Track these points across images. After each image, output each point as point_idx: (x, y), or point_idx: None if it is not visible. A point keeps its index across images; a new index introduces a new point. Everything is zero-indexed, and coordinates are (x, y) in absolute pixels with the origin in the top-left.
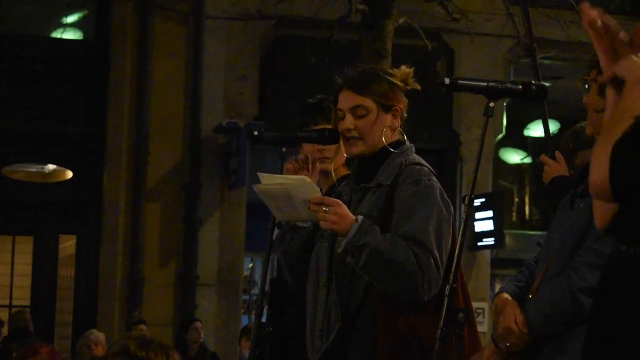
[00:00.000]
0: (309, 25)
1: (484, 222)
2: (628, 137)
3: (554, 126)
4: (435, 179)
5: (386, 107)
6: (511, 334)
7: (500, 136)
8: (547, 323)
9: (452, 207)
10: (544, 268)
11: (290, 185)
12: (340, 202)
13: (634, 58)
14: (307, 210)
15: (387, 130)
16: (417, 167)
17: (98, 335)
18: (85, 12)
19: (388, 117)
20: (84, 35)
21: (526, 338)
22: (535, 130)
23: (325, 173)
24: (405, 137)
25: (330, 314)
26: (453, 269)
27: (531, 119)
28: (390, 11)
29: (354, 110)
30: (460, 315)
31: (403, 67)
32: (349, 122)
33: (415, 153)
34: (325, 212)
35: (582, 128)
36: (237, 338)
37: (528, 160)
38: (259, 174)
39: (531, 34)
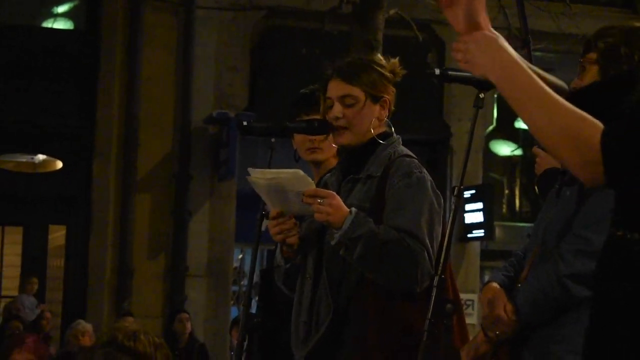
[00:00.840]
0: (300, 16)
1: (474, 214)
2: (619, 123)
3: None
4: (425, 171)
5: (375, 98)
6: (500, 323)
7: (490, 128)
8: (535, 310)
9: (442, 199)
10: (531, 256)
11: (283, 179)
12: (335, 193)
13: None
14: (301, 203)
15: (374, 121)
16: (407, 159)
17: (85, 325)
18: (76, 2)
19: (376, 108)
20: (74, 26)
21: (515, 326)
22: None
23: (316, 163)
24: (393, 129)
25: (321, 306)
26: (442, 260)
27: None
28: (381, 2)
29: (342, 99)
30: (449, 306)
31: (385, 58)
32: (337, 110)
33: (406, 144)
34: (319, 203)
35: None
36: (227, 329)
37: (519, 152)
38: (249, 169)
39: (526, 26)
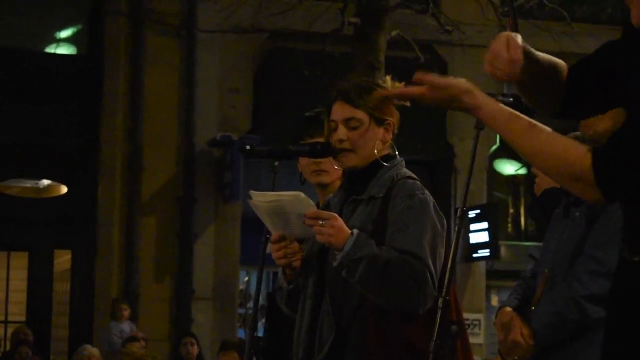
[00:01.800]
0: (302, 38)
1: (479, 234)
2: (607, 143)
3: None
4: (427, 193)
5: (379, 120)
6: (518, 347)
7: (494, 147)
8: (552, 333)
9: (445, 220)
10: (544, 278)
11: (285, 202)
12: (336, 215)
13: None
14: (302, 225)
15: (378, 143)
16: (410, 181)
17: (92, 350)
18: (78, 26)
19: (380, 130)
20: (77, 50)
21: (533, 350)
22: None
23: (322, 186)
24: (397, 151)
25: (323, 326)
26: (446, 281)
27: None
28: (382, 24)
29: (347, 121)
30: (453, 327)
31: (392, 80)
32: (341, 133)
33: (410, 165)
34: (321, 225)
35: (576, 137)
36: None
37: (523, 171)
38: (251, 192)
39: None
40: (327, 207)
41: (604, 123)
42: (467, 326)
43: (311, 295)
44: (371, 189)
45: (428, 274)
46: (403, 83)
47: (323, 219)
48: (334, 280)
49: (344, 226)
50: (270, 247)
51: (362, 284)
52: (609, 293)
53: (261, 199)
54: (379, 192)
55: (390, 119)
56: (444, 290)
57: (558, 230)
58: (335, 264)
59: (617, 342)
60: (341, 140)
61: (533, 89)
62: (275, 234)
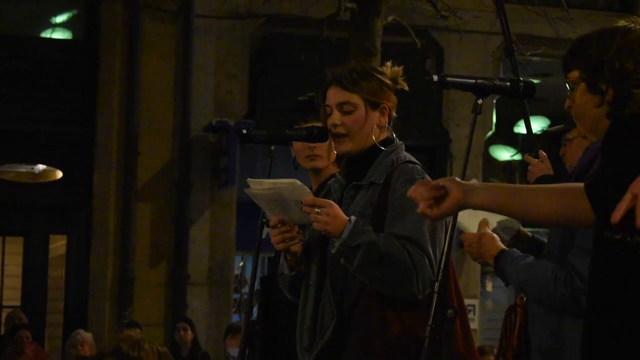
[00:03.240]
0: (298, 23)
1: None
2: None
3: (543, 123)
4: (427, 177)
5: (374, 105)
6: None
7: (490, 133)
8: (519, 285)
9: None
10: None
11: (282, 189)
12: (333, 202)
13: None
14: (301, 211)
15: (375, 128)
16: (410, 165)
17: (85, 335)
18: (74, 12)
19: (375, 115)
20: (73, 36)
21: (485, 250)
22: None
23: (315, 171)
24: (395, 135)
25: (325, 312)
26: (442, 265)
27: (521, 116)
28: (379, 9)
29: (341, 106)
30: (450, 312)
31: (388, 65)
32: (335, 117)
33: (405, 150)
34: (317, 213)
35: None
36: None
37: (518, 157)
38: (248, 180)
39: (509, 34)
40: (328, 192)
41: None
42: None
43: (314, 281)
44: (371, 175)
45: (426, 260)
46: (402, 67)
47: (319, 207)
48: (334, 266)
49: (341, 213)
50: (268, 231)
51: (360, 271)
52: (589, 269)
53: (258, 187)
54: (379, 177)
55: (386, 103)
56: (439, 274)
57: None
58: (333, 251)
59: (603, 323)
60: (335, 125)
61: None
62: (274, 218)
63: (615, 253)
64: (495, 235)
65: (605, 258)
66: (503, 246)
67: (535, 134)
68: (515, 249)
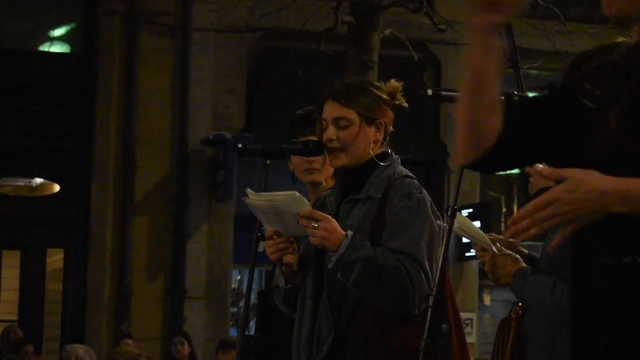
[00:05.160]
0: (296, 37)
1: None
2: None
3: None
4: (425, 192)
5: (369, 120)
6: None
7: None
8: (526, 297)
9: (442, 219)
10: None
11: (280, 201)
12: (330, 217)
13: None
14: (297, 224)
15: (371, 143)
16: (407, 180)
17: (76, 347)
18: (72, 26)
19: (371, 130)
20: (71, 50)
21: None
22: None
23: (314, 184)
24: (390, 150)
25: (322, 326)
26: (436, 280)
27: None
28: (376, 22)
29: (336, 121)
30: (444, 326)
31: (392, 81)
32: (331, 132)
33: (403, 164)
34: (314, 227)
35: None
36: None
37: (516, 170)
38: (247, 190)
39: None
40: (322, 205)
41: None
42: None
43: (310, 295)
44: (368, 189)
45: (422, 275)
46: (402, 83)
47: (316, 220)
48: (331, 280)
49: (338, 228)
50: (264, 245)
51: (357, 286)
52: (573, 298)
53: (257, 198)
54: (376, 192)
55: (382, 118)
56: (435, 289)
57: (554, 230)
58: (330, 266)
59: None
60: (331, 140)
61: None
62: (269, 230)
63: (623, 277)
64: (510, 253)
65: (611, 282)
66: (515, 266)
67: None
68: (528, 267)
